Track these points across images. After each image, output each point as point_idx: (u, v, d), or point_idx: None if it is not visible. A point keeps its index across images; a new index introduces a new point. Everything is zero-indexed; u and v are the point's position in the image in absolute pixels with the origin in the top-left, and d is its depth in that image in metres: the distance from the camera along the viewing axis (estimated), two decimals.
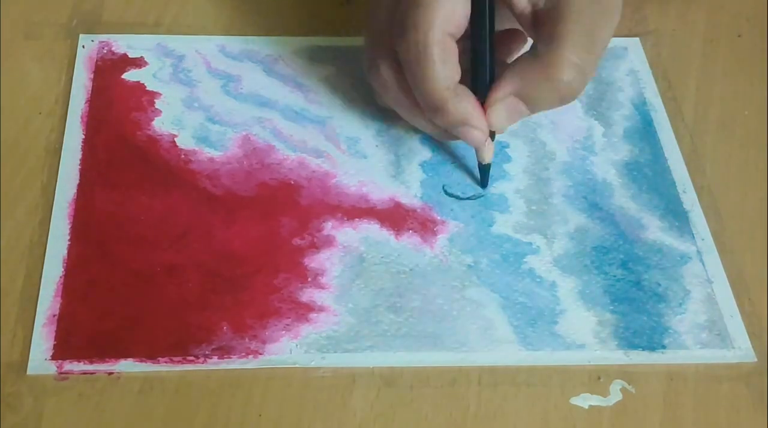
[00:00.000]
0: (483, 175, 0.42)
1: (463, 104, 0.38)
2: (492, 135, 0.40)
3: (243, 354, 0.36)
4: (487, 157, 0.41)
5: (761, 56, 0.49)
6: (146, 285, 0.38)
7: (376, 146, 0.43)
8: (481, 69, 0.39)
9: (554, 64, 0.37)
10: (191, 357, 0.36)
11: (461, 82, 0.38)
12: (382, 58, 0.39)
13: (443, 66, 0.37)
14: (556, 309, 0.38)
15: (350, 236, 0.40)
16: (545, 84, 0.37)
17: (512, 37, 0.41)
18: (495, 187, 0.42)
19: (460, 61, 0.38)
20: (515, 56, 0.40)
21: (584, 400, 0.36)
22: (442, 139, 0.43)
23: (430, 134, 0.42)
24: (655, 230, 0.41)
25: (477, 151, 0.41)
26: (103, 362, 0.36)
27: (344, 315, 0.37)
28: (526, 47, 0.40)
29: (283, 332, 0.37)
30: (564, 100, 0.38)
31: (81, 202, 0.40)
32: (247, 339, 0.36)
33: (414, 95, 0.39)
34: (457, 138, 0.40)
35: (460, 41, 0.38)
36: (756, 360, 0.37)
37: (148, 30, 0.47)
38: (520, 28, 0.40)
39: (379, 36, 0.40)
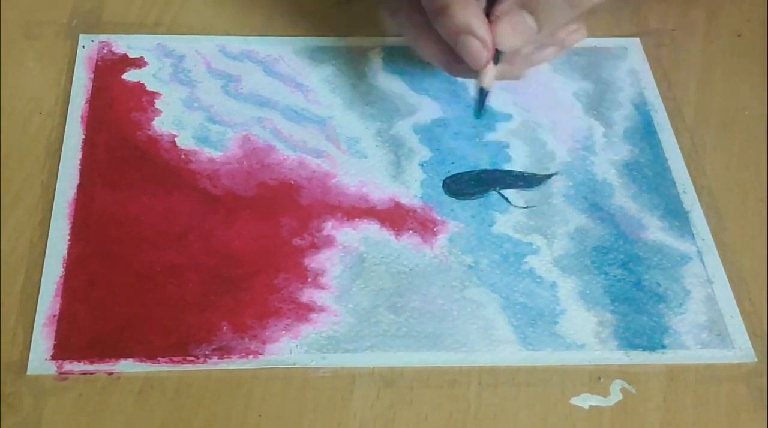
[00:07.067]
0: (480, 102, 0.40)
1: (467, 10, 0.36)
2: (495, 58, 0.38)
3: (243, 354, 0.36)
4: (486, 81, 0.38)
5: (761, 56, 0.49)
6: (146, 285, 0.38)
7: (376, 146, 0.43)
8: None
9: None
10: (191, 357, 0.36)
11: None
12: None
13: None
14: (556, 310, 0.38)
15: (350, 236, 0.40)
16: None
17: None
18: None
19: None
20: None
21: (584, 400, 0.36)
22: (450, 72, 0.41)
23: (438, 65, 0.40)
24: (655, 230, 0.41)
25: (477, 73, 0.38)
26: (103, 362, 0.36)
27: (344, 315, 0.37)
28: None
29: (283, 332, 0.37)
30: (574, 6, 0.36)
31: (81, 202, 0.40)
32: (247, 340, 0.36)
33: (422, 14, 0.37)
34: (467, 73, 0.38)
35: None
36: (756, 360, 0.38)
37: (148, 30, 0.47)
38: None
39: None
